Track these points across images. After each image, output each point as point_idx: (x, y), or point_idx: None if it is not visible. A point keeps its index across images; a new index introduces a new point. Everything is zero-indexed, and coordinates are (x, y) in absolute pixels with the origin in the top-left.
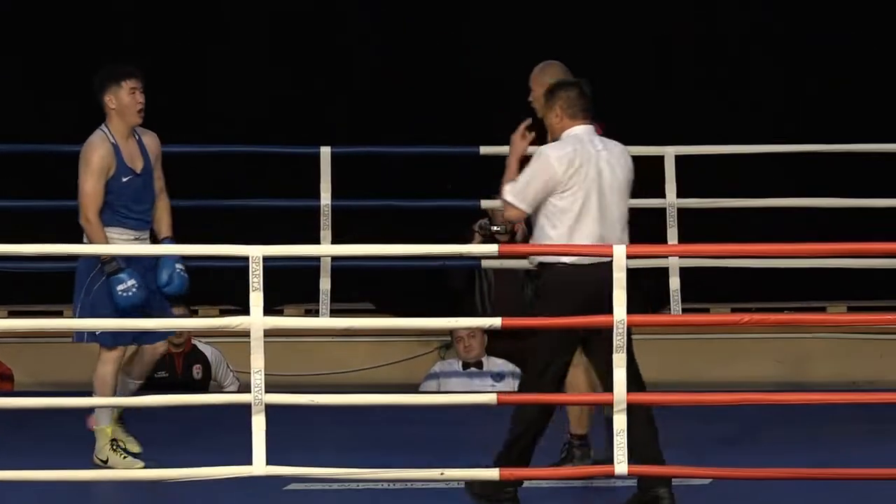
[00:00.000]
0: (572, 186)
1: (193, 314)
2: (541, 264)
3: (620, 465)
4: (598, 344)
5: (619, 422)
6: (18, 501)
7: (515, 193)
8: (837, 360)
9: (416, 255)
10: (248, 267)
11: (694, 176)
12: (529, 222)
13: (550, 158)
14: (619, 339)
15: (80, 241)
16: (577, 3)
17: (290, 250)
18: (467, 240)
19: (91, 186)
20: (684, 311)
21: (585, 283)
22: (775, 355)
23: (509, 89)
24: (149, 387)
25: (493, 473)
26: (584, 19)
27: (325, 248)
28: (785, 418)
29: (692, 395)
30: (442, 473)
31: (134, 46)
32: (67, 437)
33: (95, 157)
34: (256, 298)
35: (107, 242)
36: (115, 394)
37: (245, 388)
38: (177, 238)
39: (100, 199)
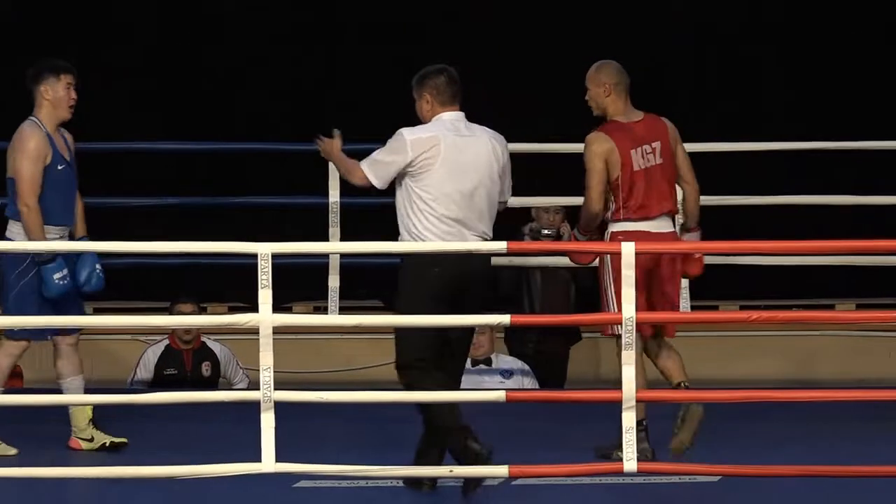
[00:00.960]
0: (427, 170)
1: (202, 311)
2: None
3: (629, 462)
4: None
5: (628, 419)
6: (28, 499)
7: (369, 162)
8: (846, 357)
9: (422, 253)
10: (256, 264)
11: (702, 173)
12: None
13: (407, 142)
14: (627, 337)
15: None
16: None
17: (299, 247)
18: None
19: (30, 171)
20: (693, 308)
21: (450, 271)
22: (784, 353)
23: (527, 85)
24: (158, 384)
25: (502, 471)
26: (597, 16)
27: (334, 246)
28: (794, 415)
29: (701, 392)
30: (451, 471)
31: (140, 38)
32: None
33: (32, 143)
34: (265, 296)
35: (43, 230)
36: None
37: (254, 385)
38: (187, 235)
39: (38, 185)
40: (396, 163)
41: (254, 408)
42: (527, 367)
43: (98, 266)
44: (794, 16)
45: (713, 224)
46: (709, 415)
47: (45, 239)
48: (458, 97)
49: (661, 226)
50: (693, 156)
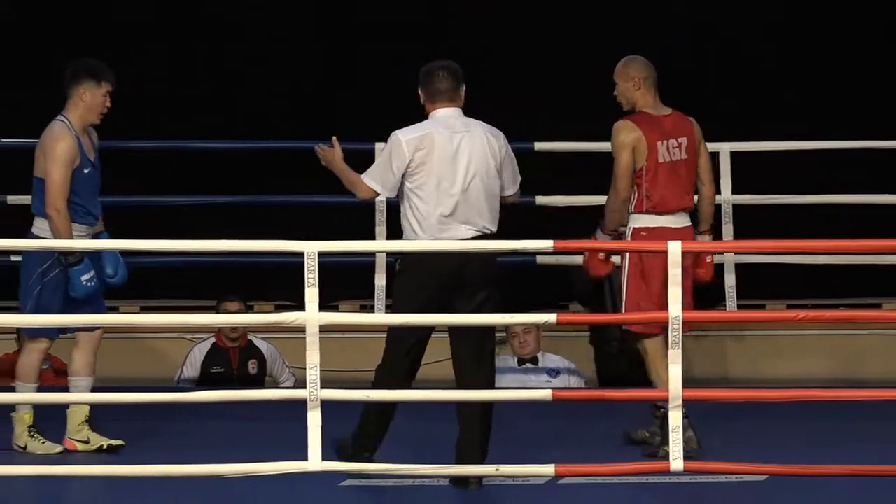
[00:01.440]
0: (422, 168)
1: (249, 310)
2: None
3: (676, 461)
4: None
5: (675, 418)
6: (76, 496)
7: (370, 174)
8: (893, 356)
9: (468, 252)
10: (303, 263)
11: (750, 172)
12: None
13: (402, 143)
14: (674, 336)
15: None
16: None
17: (345, 246)
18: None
19: (59, 175)
20: (740, 307)
21: (444, 265)
22: (831, 352)
23: (558, 84)
24: (204, 382)
25: (548, 470)
26: (632, 13)
27: (381, 244)
28: (840, 415)
29: (747, 391)
30: (497, 469)
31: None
32: (118, 432)
33: (62, 147)
34: (312, 294)
35: (71, 232)
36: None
37: (301, 383)
38: (237, 233)
39: (67, 188)
40: (397, 166)
41: (300, 406)
42: (573, 366)
43: (121, 259)
44: (844, 11)
45: (760, 223)
46: (756, 414)
47: (68, 243)
48: (454, 93)
49: (681, 221)
50: (743, 155)
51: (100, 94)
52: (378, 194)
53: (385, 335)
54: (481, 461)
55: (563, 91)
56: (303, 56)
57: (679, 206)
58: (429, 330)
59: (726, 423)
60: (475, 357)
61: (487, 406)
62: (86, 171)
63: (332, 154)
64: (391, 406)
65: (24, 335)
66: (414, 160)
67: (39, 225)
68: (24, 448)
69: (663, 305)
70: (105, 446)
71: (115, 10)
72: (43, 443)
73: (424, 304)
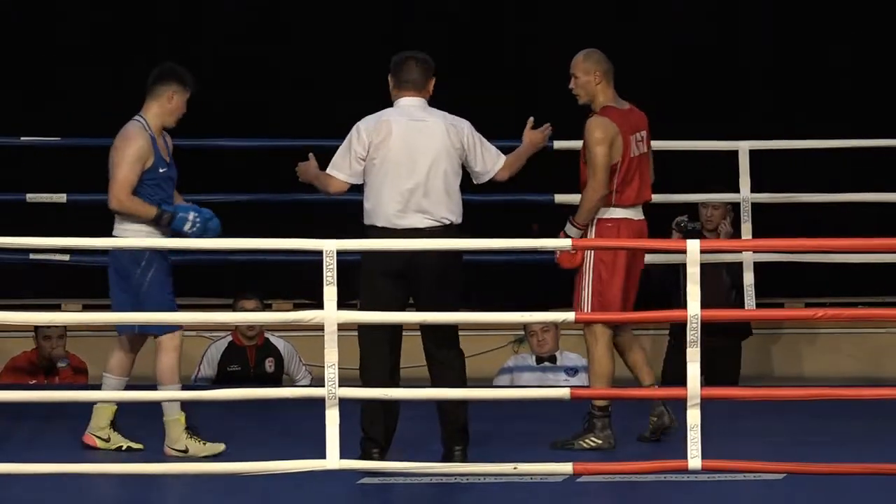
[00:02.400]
0: (377, 155)
1: (266, 308)
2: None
3: (694, 459)
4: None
5: (693, 417)
6: (90, 493)
7: (334, 165)
8: None
9: (487, 250)
10: (322, 261)
11: (768, 171)
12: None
13: (360, 129)
14: (692, 334)
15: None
16: None
17: (364, 244)
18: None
19: (125, 175)
20: (758, 306)
21: (394, 258)
22: (850, 350)
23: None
24: (221, 380)
25: (566, 468)
26: (651, 11)
27: (399, 243)
28: (860, 413)
29: (766, 389)
30: (515, 468)
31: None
32: (135, 430)
33: (134, 147)
34: (330, 292)
35: (145, 206)
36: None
37: (317, 381)
38: (253, 233)
39: (132, 186)
40: (355, 151)
41: (318, 404)
42: None
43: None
44: (865, 11)
45: (779, 221)
46: (774, 413)
47: (153, 214)
48: (422, 84)
49: (640, 213)
50: (762, 153)
51: (184, 99)
52: (347, 185)
53: (404, 334)
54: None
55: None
56: (317, 52)
57: (642, 199)
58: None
59: (744, 422)
60: (441, 342)
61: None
62: (161, 169)
63: (307, 167)
64: (383, 404)
65: (155, 336)
66: (371, 146)
67: (120, 224)
68: (185, 451)
69: (626, 297)
70: (124, 447)
71: (122, 9)
72: (204, 444)
73: (384, 297)
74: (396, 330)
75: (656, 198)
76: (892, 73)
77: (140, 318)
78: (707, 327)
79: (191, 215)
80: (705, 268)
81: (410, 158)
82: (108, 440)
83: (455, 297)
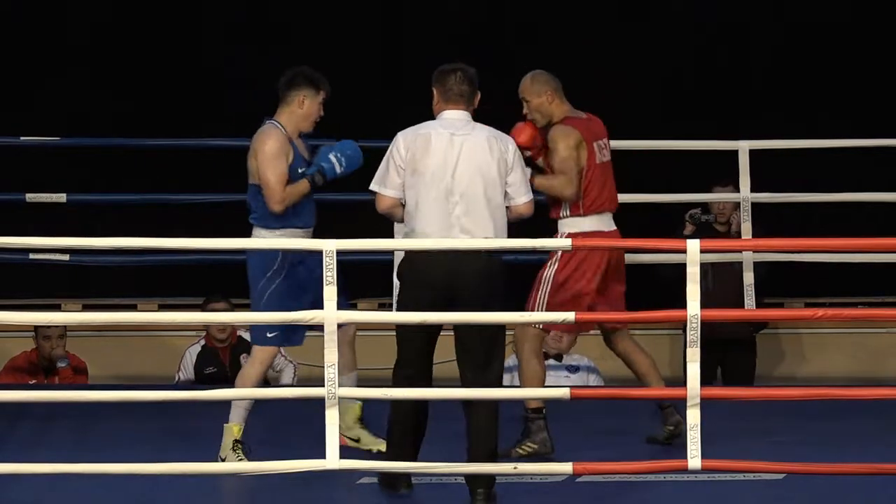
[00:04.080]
0: (415, 168)
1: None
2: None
3: (694, 459)
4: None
5: (692, 416)
6: (90, 493)
7: (377, 181)
8: None
9: (486, 250)
10: (322, 261)
11: (768, 170)
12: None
13: (398, 140)
14: (692, 334)
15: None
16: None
17: (364, 244)
18: (679, 231)
19: (274, 175)
20: (758, 306)
21: (435, 272)
22: (850, 350)
23: (585, 84)
24: (200, 383)
25: (566, 468)
26: (651, 12)
27: (399, 243)
28: (859, 413)
29: (766, 389)
30: (515, 468)
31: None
32: (136, 430)
33: (270, 144)
34: (330, 292)
35: (302, 188)
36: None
37: (318, 381)
38: (249, 232)
39: (284, 182)
40: (396, 164)
41: (317, 404)
42: (592, 364)
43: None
44: (866, 12)
45: (779, 221)
46: (774, 412)
47: (307, 187)
48: (466, 98)
49: (610, 224)
50: (761, 153)
51: (317, 102)
52: (394, 200)
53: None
54: (492, 458)
55: (590, 91)
56: (317, 53)
57: (611, 207)
58: (435, 330)
59: (744, 422)
60: (480, 369)
61: (493, 409)
62: (300, 169)
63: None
64: (414, 406)
65: (254, 344)
66: (409, 159)
67: (257, 235)
68: (224, 460)
69: (587, 306)
70: (374, 451)
71: (124, 9)
72: (240, 460)
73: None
74: (432, 336)
75: (658, 198)
76: (892, 72)
77: (141, 318)
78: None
79: (332, 157)
80: (717, 264)
81: (449, 173)
82: (358, 440)
83: (496, 325)
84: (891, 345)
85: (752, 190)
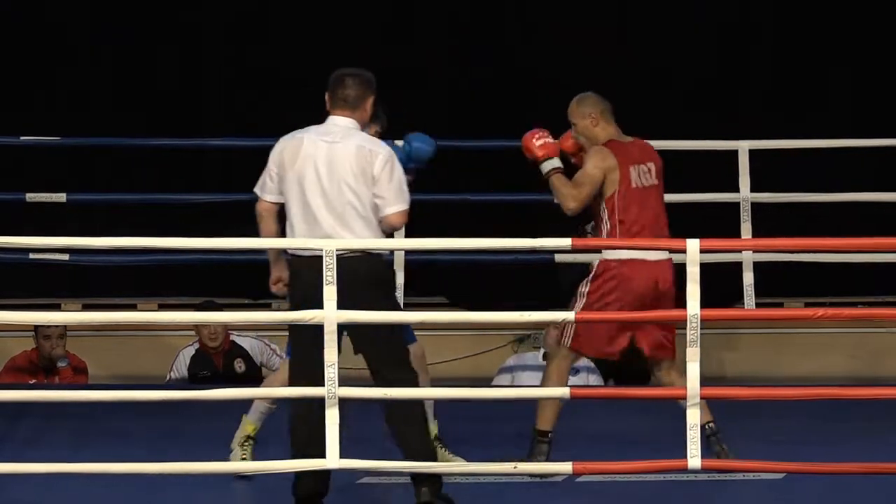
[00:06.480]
0: (285, 173)
1: (266, 308)
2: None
3: (693, 459)
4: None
5: (692, 416)
6: (90, 493)
7: (258, 184)
8: None
9: (487, 249)
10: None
11: (768, 170)
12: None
13: (276, 146)
14: (692, 334)
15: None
16: None
17: (363, 244)
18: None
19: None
20: (758, 305)
21: (306, 275)
22: (850, 350)
23: (579, 83)
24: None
25: (566, 468)
26: (651, 12)
27: (399, 242)
28: (859, 413)
29: (766, 389)
30: (515, 467)
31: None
32: (136, 430)
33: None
34: (330, 292)
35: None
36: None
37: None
38: (249, 233)
39: None
40: (270, 168)
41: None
42: (592, 364)
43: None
44: (864, 11)
45: (779, 221)
46: (774, 412)
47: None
48: (350, 103)
49: (657, 254)
50: (761, 153)
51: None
52: (268, 204)
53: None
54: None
55: (583, 88)
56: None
57: (653, 234)
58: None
59: (744, 421)
60: (384, 364)
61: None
62: None
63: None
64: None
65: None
66: (280, 164)
67: None
68: (231, 451)
69: (620, 335)
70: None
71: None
72: (244, 458)
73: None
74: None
75: None
76: (892, 72)
77: (141, 318)
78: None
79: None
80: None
81: (316, 179)
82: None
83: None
84: (890, 344)
85: (752, 190)
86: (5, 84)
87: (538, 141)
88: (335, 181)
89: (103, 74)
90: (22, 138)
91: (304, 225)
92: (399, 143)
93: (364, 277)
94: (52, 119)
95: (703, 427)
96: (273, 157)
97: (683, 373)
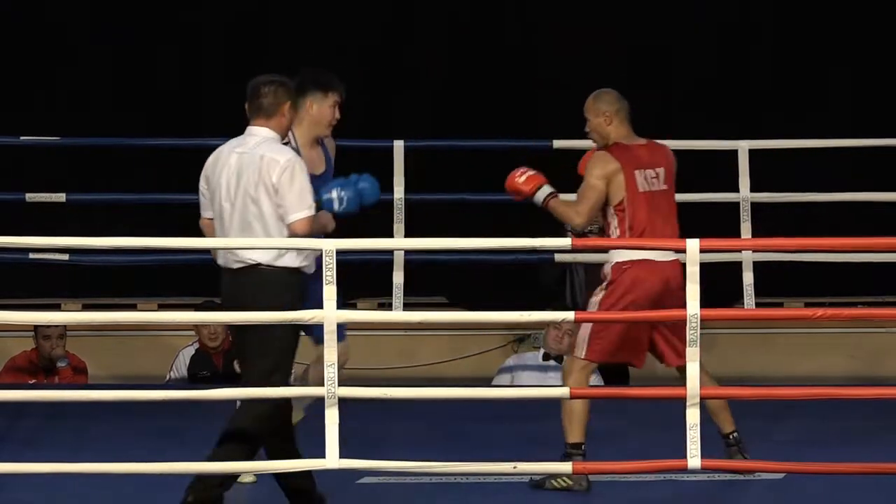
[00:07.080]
0: (206, 186)
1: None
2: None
3: (694, 459)
4: None
5: (692, 416)
6: (90, 493)
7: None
8: None
9: (487, 249)
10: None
11: (768, 170)
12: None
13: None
14: (692, 334)
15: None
16: None
17: (363, 244)
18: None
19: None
20: (758, 305)
21: (224, 286)
22: (849, 350)
23: (579, 83)
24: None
25: (566, 468)
26: (651, 12)
27: (399, 242)
28: (859, 413)
29: (766, 389)
30: (515, 467)
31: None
32: (136, 430)
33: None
34: (330, 292)
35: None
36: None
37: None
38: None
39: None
40: (201, 185)
41: (318, 403)
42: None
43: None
44: (862, 12)
45: (778, 221)
46: (774, 412)
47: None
48: (264, 112)
49: (665, 254)
50: (761, 153)
51: (326, 107)
52: (207, 219)
53: (403, 333)
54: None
55: (582, 88)
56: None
57: (663, 234)
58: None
59: (744, 421)
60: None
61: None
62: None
63: None
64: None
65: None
66: (206, 178)
67: None
68: None
69: (638, 340)
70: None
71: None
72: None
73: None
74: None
75: None
76: (892, 72)
77: (141, 318)
78: None
79: (334, 193)
80: (591, 266)
81: (224, 191)
82: None
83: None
84: (890, 344)
85: (752, 190)
86: (5, 84)
87: (521, 177)
88: (240, 193)
89: (103, 74)
90: (22, 138)
91: (214, 236)
92: (336, 195)
93: (251, 290)
94: (52, 119)
95: (727, 436)
96: (202, 172)
97: (708, 374)
